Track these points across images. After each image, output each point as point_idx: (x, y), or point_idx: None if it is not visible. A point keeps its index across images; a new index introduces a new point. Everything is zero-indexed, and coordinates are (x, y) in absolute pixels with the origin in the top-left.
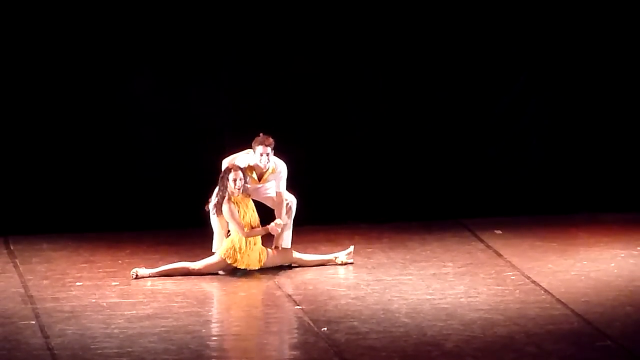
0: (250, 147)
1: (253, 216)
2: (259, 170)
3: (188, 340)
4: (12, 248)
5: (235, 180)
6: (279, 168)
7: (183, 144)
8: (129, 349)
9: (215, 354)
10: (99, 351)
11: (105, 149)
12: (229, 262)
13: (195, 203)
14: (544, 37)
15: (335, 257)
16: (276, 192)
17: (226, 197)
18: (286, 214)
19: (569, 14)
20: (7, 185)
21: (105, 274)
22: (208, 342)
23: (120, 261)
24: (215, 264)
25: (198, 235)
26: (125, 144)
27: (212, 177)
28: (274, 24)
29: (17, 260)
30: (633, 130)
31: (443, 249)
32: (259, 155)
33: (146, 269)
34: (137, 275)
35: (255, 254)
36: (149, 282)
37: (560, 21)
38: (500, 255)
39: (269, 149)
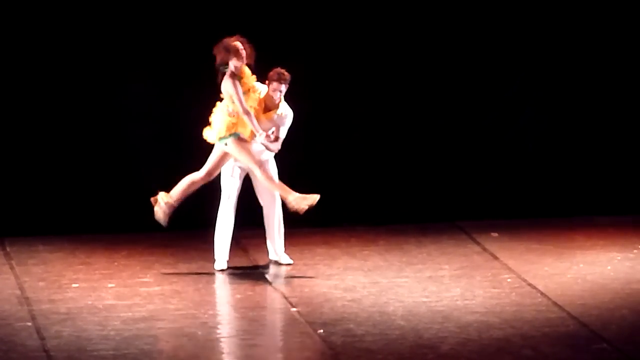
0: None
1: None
2: (269, 103)
3: (184, 343)
4: (8, 249)
5: (240, 49)
6: (285, 113)
7: (179, 147)
8: (125, 351)
9: (211, 357)
10: (94, 353)
11: (102, 151)
12: (229, 139)
13: (191, 206)
14: (539, 41)
15: (292, 200)
16: (275, 137)
17: (229, 72)
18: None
19: (565, 17)
20: (3, 186)
21: (101, 275)
22: (204, 345)
23: (116, 263)
24: (219, 159)
25: (194, 237)
26: (121, 146)
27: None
28: (270, 25)
29: (13, 262)
30: (629, 134)
31: (439, 252)
32: (273, 91)
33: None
34: (165, 203)
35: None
36: (145, 285)
37: (555, 25)
38: (496, 258)
39: (283, 86)
